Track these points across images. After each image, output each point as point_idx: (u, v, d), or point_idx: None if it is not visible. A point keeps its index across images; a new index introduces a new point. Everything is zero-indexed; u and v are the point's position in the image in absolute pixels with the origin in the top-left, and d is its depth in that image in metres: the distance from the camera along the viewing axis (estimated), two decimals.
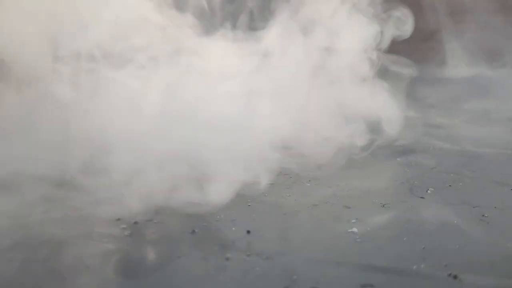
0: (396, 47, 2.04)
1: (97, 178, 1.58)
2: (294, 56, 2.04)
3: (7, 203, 1.43)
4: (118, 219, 1.41)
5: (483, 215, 1.47)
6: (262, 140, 1.89)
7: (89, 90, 1.79)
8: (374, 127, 2.06)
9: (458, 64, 3.37)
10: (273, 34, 2.01)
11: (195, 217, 1.44)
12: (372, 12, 2.03)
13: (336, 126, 2.01)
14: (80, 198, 1.51)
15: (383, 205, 1.55)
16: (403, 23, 2.02)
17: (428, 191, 1.67)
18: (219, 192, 1.53)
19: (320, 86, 2.06)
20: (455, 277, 1.12)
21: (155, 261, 1.22)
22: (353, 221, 1.43)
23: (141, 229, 1.37)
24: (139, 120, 1.78)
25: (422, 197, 1.62)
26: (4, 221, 1.33)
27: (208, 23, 2.00)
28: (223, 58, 1.99)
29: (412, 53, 2.09)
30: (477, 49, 3.31)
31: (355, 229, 1.37)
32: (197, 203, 1.49)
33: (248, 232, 1.36)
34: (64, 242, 1.27)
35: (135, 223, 1.40)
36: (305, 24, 2.03)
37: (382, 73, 2.03)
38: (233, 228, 1.38)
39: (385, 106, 2.03)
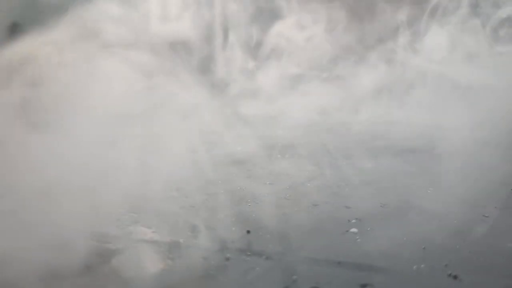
0: None
1: None
2: None
3: None
4: None
5: (483, 215, 1.47)
6: None
7: None
8: None
9: None
10: None
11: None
12: None
13: None
14: None
15: (383, 205, 1.55)
16: None
17: (428, 191, 1.67)
18: None
19: None
20: (455, 277, 1.12)
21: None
22: (353, 221, 1.43)
23: None
24: None
25: (422, 197, 1.62)
26: None
27: None
28: None
29: None
30: None
31: (355, 229, 1.37)
32: None
33: (248, 232, 1.36)
34: None
35: None
36: None
37: None
38: (233, 228, 1.38)
39: None
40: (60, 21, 1.89)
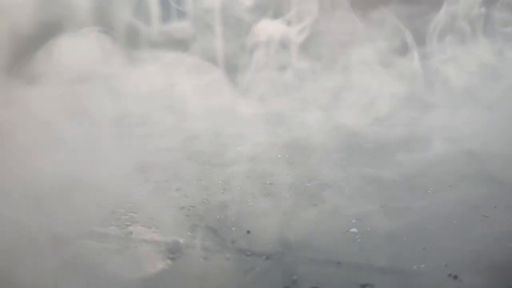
0: None
1: None
2: None
3: None
4: None
5: (483, 215, 1.46)
6: None
7: None
8: None
9: None
10: None
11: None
12: None
13: None
14: None
15: (383, 205, 1.55)
16: None
17: (428, 191, 1.67)
18: None
19: None
20: (455, 277, 1.12)
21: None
22: (353, 221, 1.43)
23: None
24: None
25: (422, 197, 1.62)
26: None
27: None
28: None
29: None
30: None
31: (355, 229, 1.37)
32: None
33: (248, 232, 1.36)
34: None
35: None
36: None
37: None
38: (233, 228, 1.38)
39: None
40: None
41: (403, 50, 2.99)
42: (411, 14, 3.00)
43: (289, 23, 2.63)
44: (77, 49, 1.97)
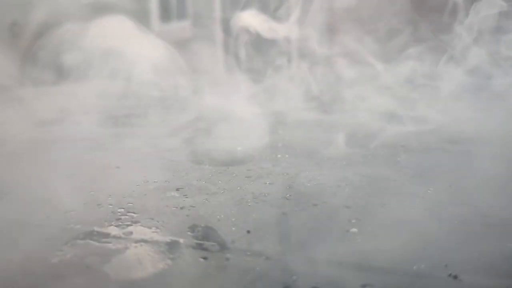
0: None
1: None
2: None
3: None
4: None
5: (482, 215, 1.47)
6: None
7: None
8: None
9: None
10: None
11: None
12: None
13: None
14: None
15: (383, 205, 1.55)
16: None
17: (428, 191, 1.67)
18: None
19: None
20: (455, 277, 1.12)
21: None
22: (353, 221, 1.43)
23: None
24: None
25: (422, 197, 1.62)
26: None
27: None
28: None
29: None
30: None
31: (355, 229, 1.37)
32: None
33: (248, 232, 1.36)
34: None
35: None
36: None
37: None
38: (233, 228, 1.38)
39: None
40: None
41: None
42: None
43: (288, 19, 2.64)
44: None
